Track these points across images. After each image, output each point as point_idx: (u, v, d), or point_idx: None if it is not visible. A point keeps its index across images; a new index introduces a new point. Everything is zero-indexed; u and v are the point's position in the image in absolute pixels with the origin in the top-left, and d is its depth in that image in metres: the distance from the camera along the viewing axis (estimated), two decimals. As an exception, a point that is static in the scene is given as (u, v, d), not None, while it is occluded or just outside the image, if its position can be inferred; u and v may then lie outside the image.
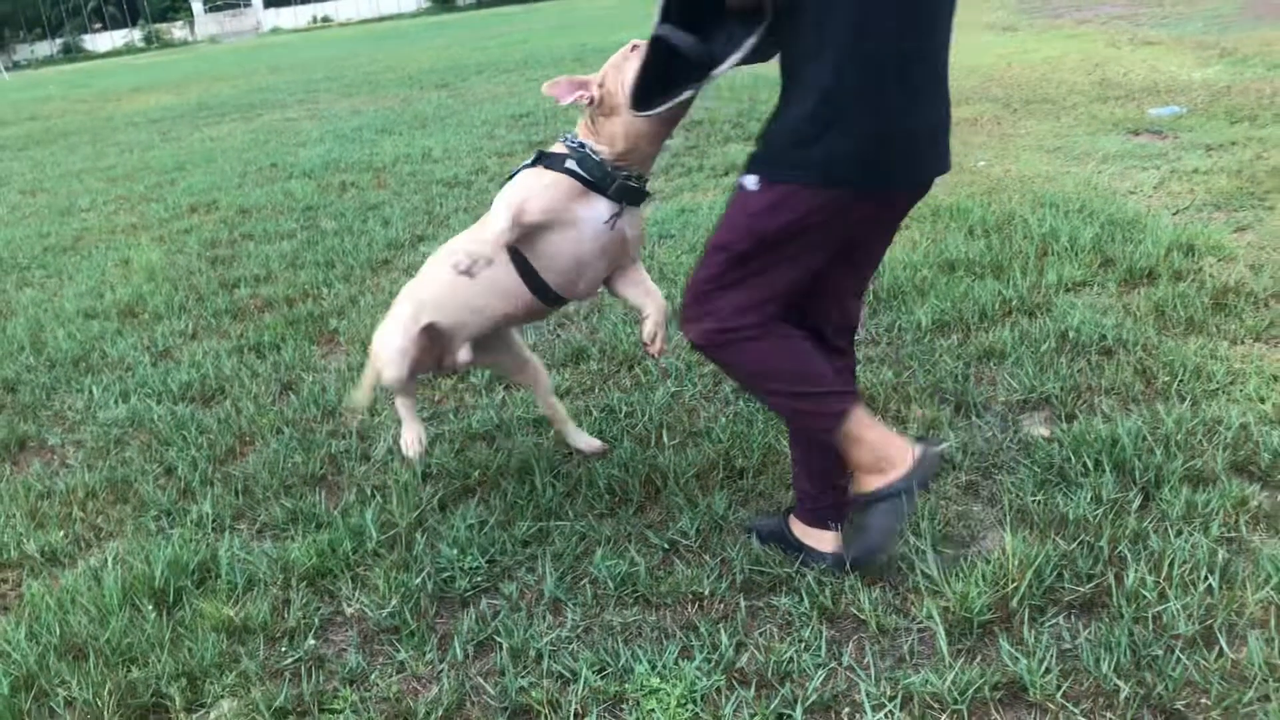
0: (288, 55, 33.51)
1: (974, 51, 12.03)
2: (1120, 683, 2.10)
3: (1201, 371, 3.37)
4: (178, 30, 70.67)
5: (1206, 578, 2.37)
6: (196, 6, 72.02)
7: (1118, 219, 4.91)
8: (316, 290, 5.56)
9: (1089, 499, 2.72)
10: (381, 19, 66.08)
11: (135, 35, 69.65)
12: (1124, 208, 5.15)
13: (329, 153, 10.34)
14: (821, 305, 2.46)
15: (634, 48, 2.52)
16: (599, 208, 2.66)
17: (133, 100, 21.86)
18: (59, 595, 2.86)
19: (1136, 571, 2.41)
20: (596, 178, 2.63)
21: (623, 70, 2.55)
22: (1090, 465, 2.87)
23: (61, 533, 3.26)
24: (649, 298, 2.81)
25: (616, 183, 2.64)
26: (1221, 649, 2.17)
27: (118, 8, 73.11)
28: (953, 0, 2.19)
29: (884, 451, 2.34)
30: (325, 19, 71.95)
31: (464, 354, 2.97)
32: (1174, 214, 5.04)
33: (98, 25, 72.75)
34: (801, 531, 2.63)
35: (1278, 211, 4.89)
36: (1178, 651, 2.17)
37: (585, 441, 3.34)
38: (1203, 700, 2.06)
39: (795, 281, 2.32)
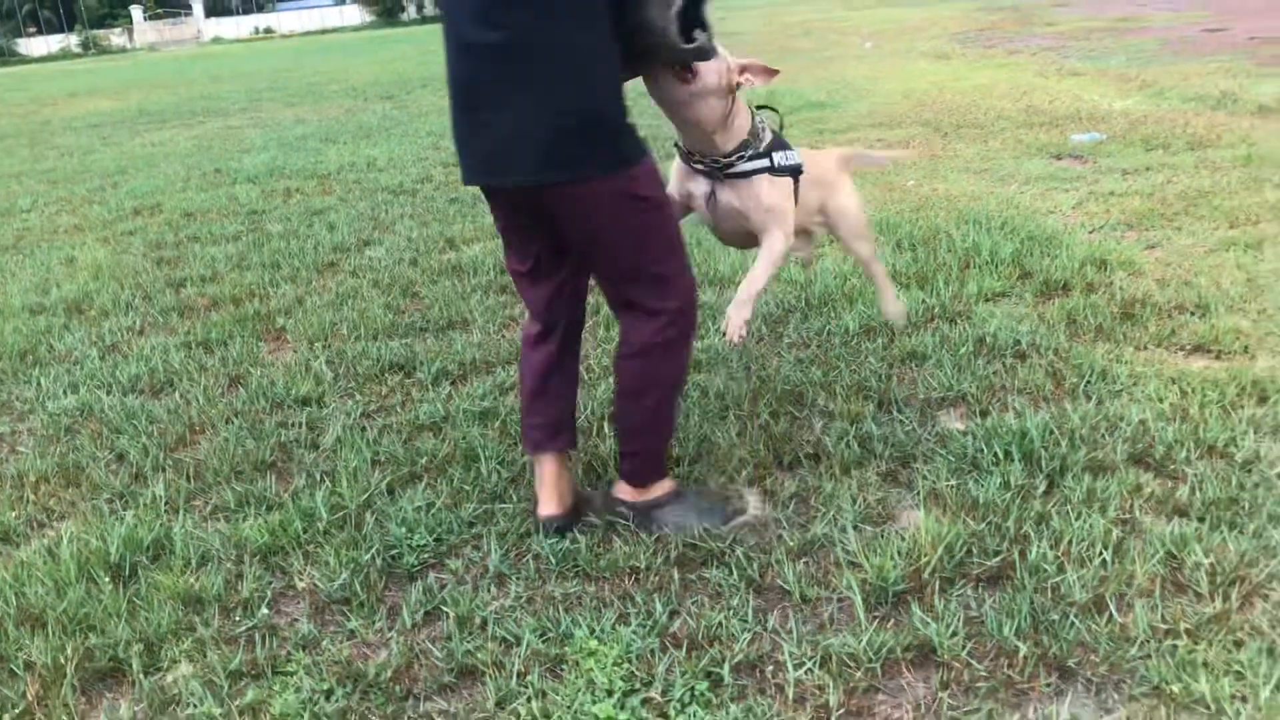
0: (229, 65, 33.33)
1: (908, 77, 12.40)
2: (1020, 644, 2.30)
3: (1107, 374, 3.60)
4: (116, 37, 69.77)
5: (1101, 553, 2.58)
6: (136, 14, 71.10)
7: (1037, 235, 5.18)
8: (263, 290, 5.66)
9: (998, 485, 2.93)
10: (324, 31, 65.80)
11: (72, 41, 68.57)
12: (1043, 225, 5.42)
13: (273, 160, 10.41)
14: None
15: None
16: (700, 185, 3.11)
17: (70, 105, 21.66)
18: (14, 570, 2.95)
19: (1038, 548, 2.61)
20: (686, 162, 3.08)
21: None
22: (1000, 455, 3.09)
23: (14, 513, 3.35)
24: (749, 271, 3.11)
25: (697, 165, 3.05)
26: (1111, 614, 2.38)
27: (54, 12, 71.94)
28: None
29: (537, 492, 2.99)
30: (267, 30, 71.50)
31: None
32: (1090, 232, 5.32)
33: (32, 29, 71.54)
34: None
35: (1185, 231, 5.18)
36: (1072, 617, 2.37)
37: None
38: (1092, 658, 2.26)
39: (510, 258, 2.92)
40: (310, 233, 6.95)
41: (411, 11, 70.95)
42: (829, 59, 15.89)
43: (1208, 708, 2.10)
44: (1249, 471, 2.91)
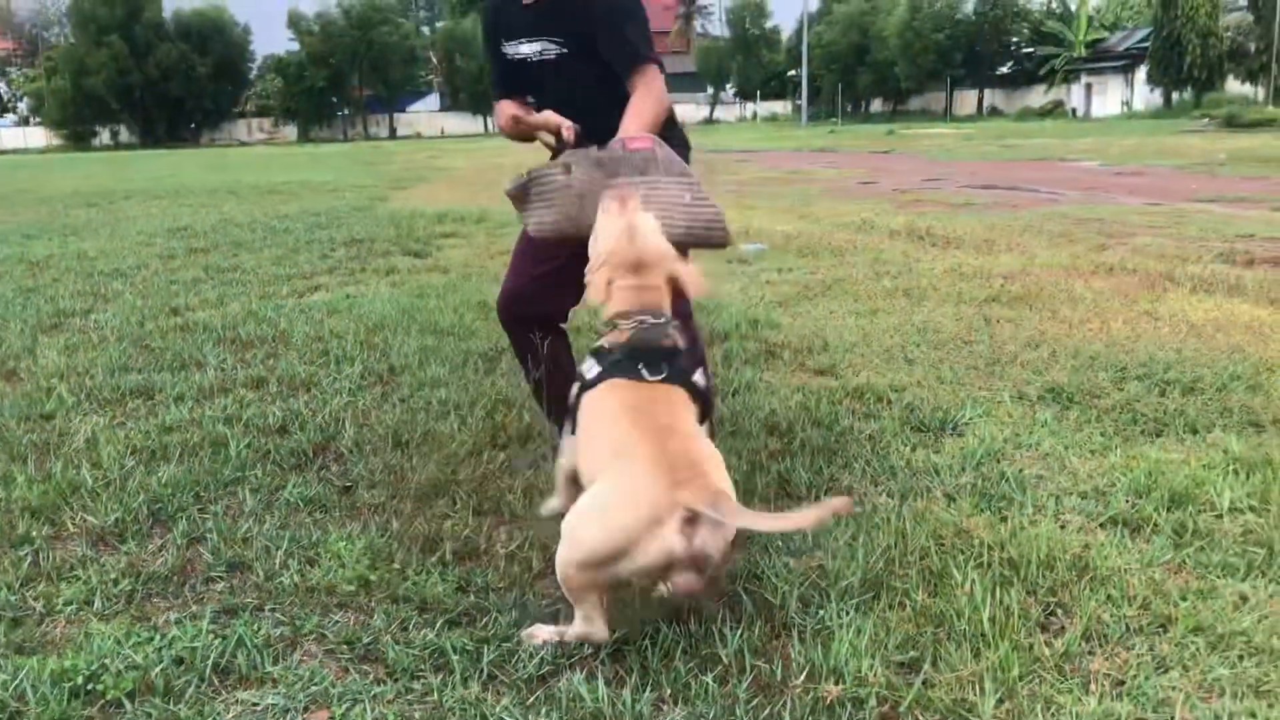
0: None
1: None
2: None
3: (751, 385, 4.54)
4: None
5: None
6: None
7: (704, 305, 6.20)
8: (-12, 344, 5.83)
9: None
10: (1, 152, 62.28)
11: None
12: (713, 298, 6.48)
13: (-31, 251, 10.25)
14: None
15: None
16: None
17: None
18: None
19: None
20: None
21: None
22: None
23: None
24: None
25: None
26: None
27: None
28: None
29: None
30: (-72, 147, 67.01)
31: None
32: (747, 307, 6.41)
33: None
34: None
35: (821, 307, 6.36)
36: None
37: None
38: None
39: None
40: (29, 302, 7.09)
41: (105, 137, 68.58)
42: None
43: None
44: (841, 436, 3.89)
